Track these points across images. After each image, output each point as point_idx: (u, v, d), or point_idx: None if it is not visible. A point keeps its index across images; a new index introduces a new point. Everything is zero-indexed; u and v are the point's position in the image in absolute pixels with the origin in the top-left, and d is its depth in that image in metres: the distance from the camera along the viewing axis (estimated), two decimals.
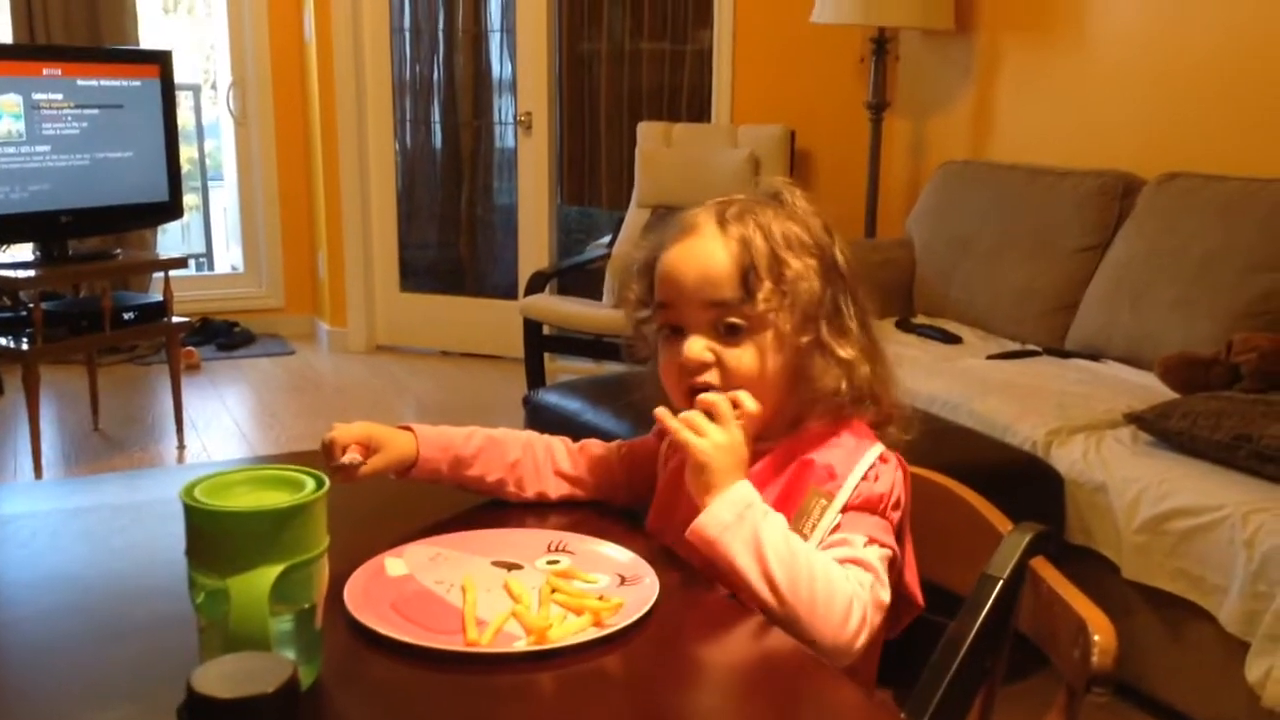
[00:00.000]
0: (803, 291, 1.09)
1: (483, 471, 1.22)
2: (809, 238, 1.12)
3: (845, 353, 1.11)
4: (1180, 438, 2.27)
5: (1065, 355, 3.12)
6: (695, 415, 1.07)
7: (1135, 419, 2.38)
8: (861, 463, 1.09)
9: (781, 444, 1.13)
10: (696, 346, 1.10)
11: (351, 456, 1.12)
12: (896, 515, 1.10)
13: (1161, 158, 3.25)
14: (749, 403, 1.08)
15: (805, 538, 1.05)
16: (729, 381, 1.10)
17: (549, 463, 1.25)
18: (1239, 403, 2.28)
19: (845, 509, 1.07)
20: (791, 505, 1.08)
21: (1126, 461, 2.30)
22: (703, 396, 1.08)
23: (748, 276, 1.09)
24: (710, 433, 1.06)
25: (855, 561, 1.03)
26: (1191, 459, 2.25)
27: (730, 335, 1.10)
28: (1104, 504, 2.27)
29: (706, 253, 1.10)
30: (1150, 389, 2.66)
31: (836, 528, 1.06)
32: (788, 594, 0.98)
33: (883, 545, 1.06)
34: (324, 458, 1.13)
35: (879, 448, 1.12)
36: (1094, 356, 3.07)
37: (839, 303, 1.12)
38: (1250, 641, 1.95)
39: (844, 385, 1.10)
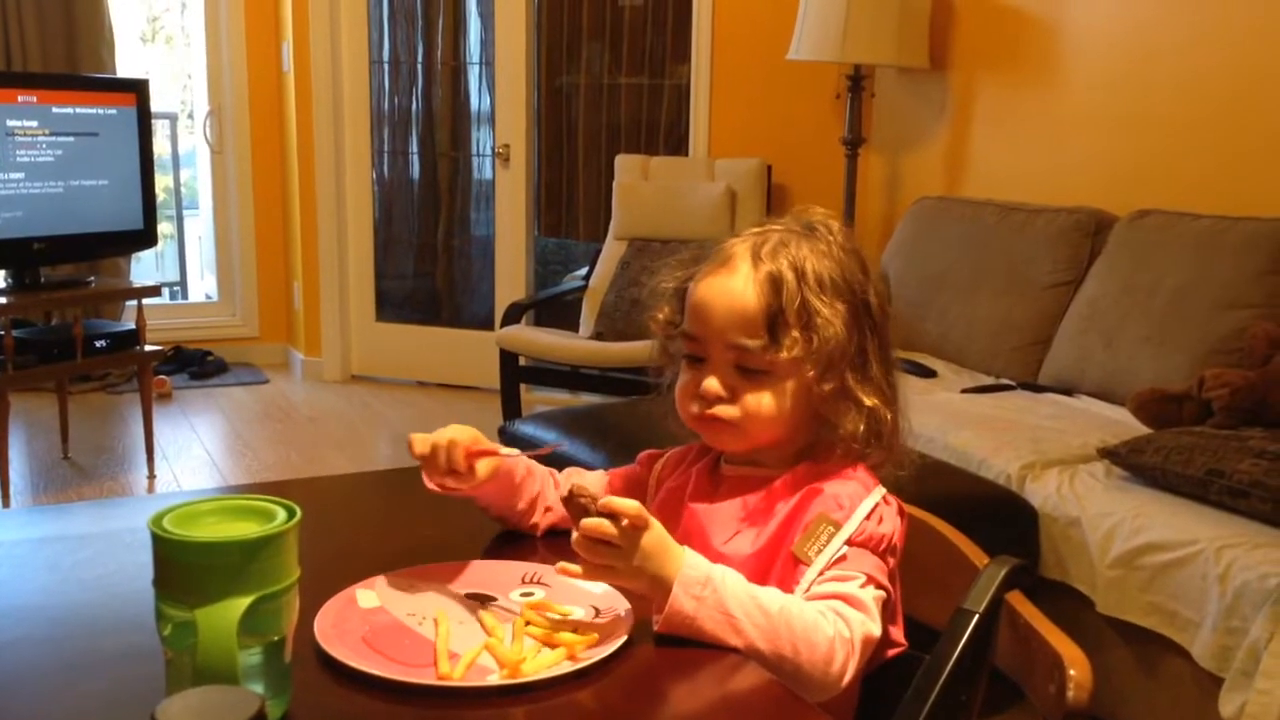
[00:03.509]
0: (829, 339, 1.08)
1: (524, 504, 1.21)
2: (842, 279, 1.11)
3: (869, 400, 1.11)
4: (1153, 473, 2.29)
5: (1039, 390, 3.14)
6: (594, 549, 0.98)
7: (1109, 454, 2.39)
8: (867, 501, 1.09)
9: (794, 470, 1.13)
10: (714, 384, 1.10)
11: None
12: (892, 561, 1.09)
13: (1133, 195, 3.29)
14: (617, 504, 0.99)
15: (810, 560, 1.05)
16: (743, 419, 1.10)
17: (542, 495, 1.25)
18: (1211, 438, 2.29)
19: (848, 543, 1.06)
20: (798, 527, 1.08)
21: (1100, 496, 2.31)
22: (582, 534, 0.99)
23: (774, 323, 1.08)
24: (621, 560, 0.98)
25: (847, 598, 1.03)
26: (1165, 494, 2.26)
27: (751, 375, 1.10)
28: (1078, 538, 2.28)
29: (737, 292, 1.09)
30: (1123, 424, 2.68)
31: (841, 559, 1.06)
32: (768, 650, 0.97)
33: (878, 587, 1.06)
34: (436, 463, 1.12)
35: (882, 490, 1.12)
36: (1067, 391, 3.09)
37: (865, 348, 1.11)
38: (1224, 676, 1.96)
39: (862, 429, 1.10)
